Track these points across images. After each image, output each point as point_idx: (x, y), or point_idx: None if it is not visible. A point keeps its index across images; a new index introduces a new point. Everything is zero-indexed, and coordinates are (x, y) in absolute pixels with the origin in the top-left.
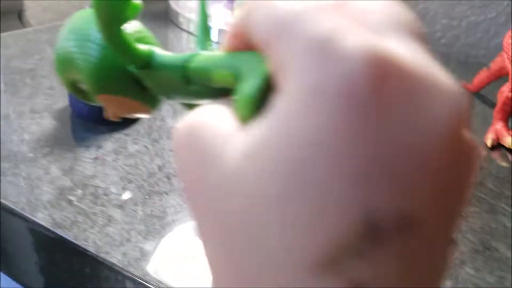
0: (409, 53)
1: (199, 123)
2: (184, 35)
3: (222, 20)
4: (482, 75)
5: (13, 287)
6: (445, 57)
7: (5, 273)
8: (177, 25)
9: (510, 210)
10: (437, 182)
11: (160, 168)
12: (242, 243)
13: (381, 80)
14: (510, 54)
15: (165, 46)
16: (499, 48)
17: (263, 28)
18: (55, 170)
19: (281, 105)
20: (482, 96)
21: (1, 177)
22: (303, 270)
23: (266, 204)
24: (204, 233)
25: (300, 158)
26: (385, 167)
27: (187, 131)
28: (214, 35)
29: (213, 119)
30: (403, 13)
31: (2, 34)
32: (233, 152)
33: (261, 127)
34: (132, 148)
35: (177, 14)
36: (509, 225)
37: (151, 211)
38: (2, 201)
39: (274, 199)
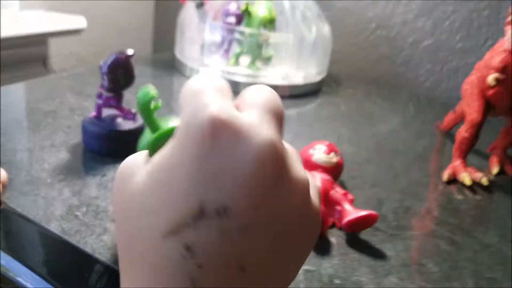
0: (247, 118)
1: (129, 159)
2: (186, 80)
3: (218, 69)
4: (449, 117)
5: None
6: (429, 100)
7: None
8: (181, 72)
9: (449, 235)
10: (249, 187)
11: None
12: (131, 226)
13: (215, 129)
14: (466, 98)
15: (170, 89)
16: None
17: (181, 99)
18: (66, 192)
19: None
20: (451, 136)
21: (25, 196)
22: (158, 237)
23: (146, 200)
24: (117, 221)
25: (165, 176)
26: (213, 178)
27: (124, 162)
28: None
29: (137, 156)
30: (268, 96)
31: (28, 81)
32: (139, 175)
33: (152, 160)
34: None
35: (180, 63)
36: (444, 247)
37: None
38: (24, 214)
39: (151, 197)
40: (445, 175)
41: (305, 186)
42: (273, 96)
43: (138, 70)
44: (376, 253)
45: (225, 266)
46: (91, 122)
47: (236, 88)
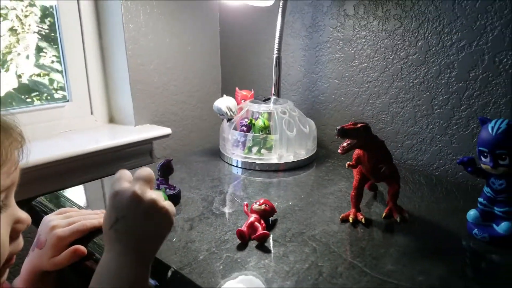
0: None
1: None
2: (226, 165)
3: (238, 156)
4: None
5: None
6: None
7: None
8: (222, 159)
9: (337, 251)
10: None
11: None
12: None
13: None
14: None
15: (214, 172)
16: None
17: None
18: None
19: None
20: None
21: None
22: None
23: None
24: None
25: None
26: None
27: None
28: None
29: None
30: (140, 173)
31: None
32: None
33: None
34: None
35: (220, 152)
36: (307, 251)
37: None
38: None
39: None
40: (350, 218)
41: (151, 202)
42: (142, 171)
43: (194, 158)
44: (277, 253)
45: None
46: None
47: (251, 166)
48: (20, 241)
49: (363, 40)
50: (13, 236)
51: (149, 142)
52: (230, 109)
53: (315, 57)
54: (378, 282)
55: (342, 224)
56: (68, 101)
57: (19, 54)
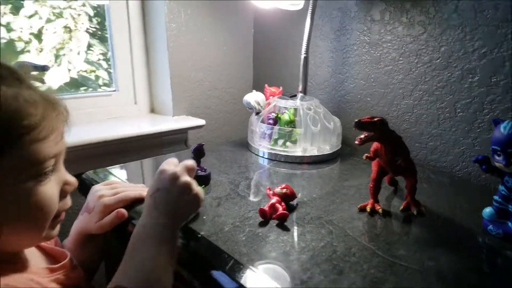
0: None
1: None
2: (253, 156)
3: (265, 148)
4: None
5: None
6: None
7: None
8: (249, 150)
9: (352, 235)
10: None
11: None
12: None
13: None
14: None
15: (241, 160)
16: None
17: None
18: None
19: None
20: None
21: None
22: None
23: None
24: None
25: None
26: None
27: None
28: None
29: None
30: (188, 162)
31: (172, 154)
32: None
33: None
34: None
35: (248, 144)
36: (323, 232)
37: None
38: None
39: None
40: (359, 207)
41: (186, 183)
42: (187, 162)
43: (224, 147)
44: (298, 234)
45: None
46: None
47: (276, 157)
48: (68, 200)
49: (389, 44)
50: (62, 196)
51: (184, 131)
52: (258, 103)
53: (342, 58)
54: (389, 263)
55: (359, 213)
56: (115, 90)
57: (71, 50)
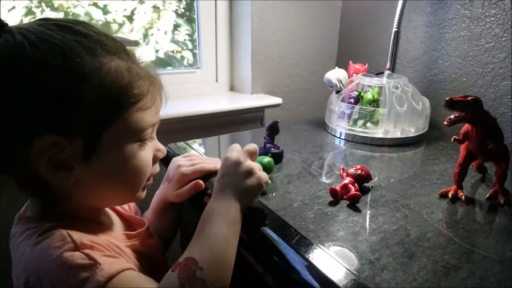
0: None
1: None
2: (329, 136)
3: (343, 128)
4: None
5: None
6: None
7: None
8: (326, 130)
9: (429, 220)
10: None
11: None
12: None
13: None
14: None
15: (316, 140)
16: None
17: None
18: None
19: None
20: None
21: None
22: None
23: None
24: None
25: None
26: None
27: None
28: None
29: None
30: (250, 147)
31: (248, 132)
32: None
33: None
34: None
35: (325, 123)
36: (398, 215)
37: None
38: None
39: None
40: (440, 192)
41: (249, 168)
42: (249, 146)
43: (299, 126)
44: (370, 215)
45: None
46: (261, 148)
47: (354, 139)
48: (157, 166)
49: (492, 19)
50: (153, 161)
51: (261, 110)
52: (340, 81)
53: (438, 34)
54: (466, 251)
55: (440, 199)
56: (198, 68)
57: (158, 29)
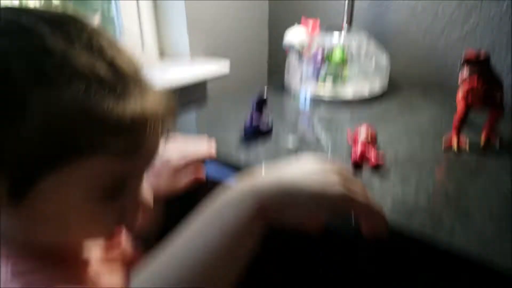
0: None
1: None
2: (290, 99)
3: (309, 90)
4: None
5: None
6: None
7: None
8: (288, 94)
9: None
10: None
11: None
12: None
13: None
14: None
15: (280, 104)
16: None
17: None
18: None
19: None
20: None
21: None
22: None
23: None
24: None
25: None
26: None
27: None
28: None
29: None
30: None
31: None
32: None
33: None
34: None
35: (288, 88)
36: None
37: None
38: None
39: None
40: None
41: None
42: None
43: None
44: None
45: None
46: (246, 125)
47: (321, 103)
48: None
49: None
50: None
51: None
52: (303, 46)
53: None
54: None
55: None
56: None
57: None
